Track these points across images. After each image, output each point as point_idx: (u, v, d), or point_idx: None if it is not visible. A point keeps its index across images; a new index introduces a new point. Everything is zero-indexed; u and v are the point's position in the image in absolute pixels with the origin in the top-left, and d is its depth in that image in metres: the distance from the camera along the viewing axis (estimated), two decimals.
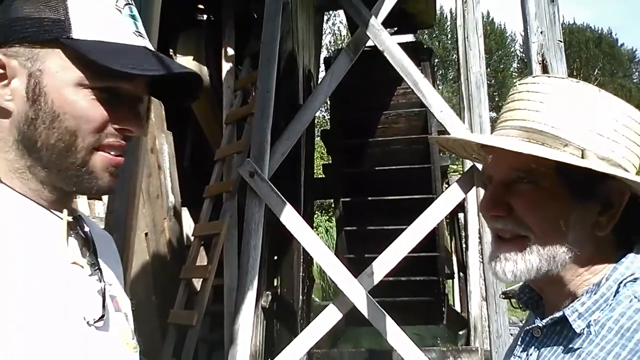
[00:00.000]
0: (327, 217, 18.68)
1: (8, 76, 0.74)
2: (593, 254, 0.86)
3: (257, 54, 4.01)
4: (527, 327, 0.92)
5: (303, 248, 4.55)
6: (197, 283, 4.29)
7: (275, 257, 4.61)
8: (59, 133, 0.73)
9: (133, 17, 0.79)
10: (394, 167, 5.59)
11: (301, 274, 4.55)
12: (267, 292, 4.23)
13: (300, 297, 4.52)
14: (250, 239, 3.72)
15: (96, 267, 0.81)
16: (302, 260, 4.60)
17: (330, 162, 6.45)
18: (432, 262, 5.70)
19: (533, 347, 0.90)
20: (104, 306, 0.78)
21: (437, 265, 5.76)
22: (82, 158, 0.75)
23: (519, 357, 0.92)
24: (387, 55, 3.72)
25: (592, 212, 0.84)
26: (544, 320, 0.87)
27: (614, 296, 0.82)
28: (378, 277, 3.72)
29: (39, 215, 0.76)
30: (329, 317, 3.73)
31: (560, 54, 2.51)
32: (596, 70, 52.49)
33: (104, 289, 0.80)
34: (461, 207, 5.68)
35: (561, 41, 2.49)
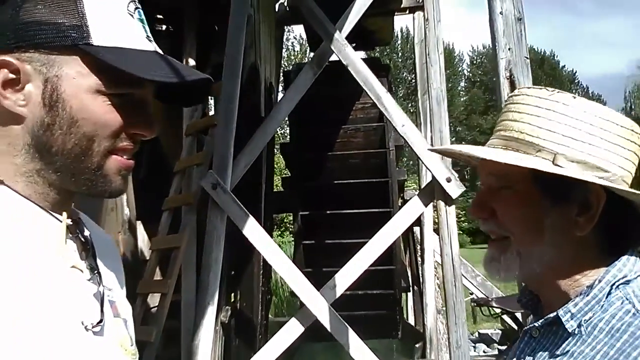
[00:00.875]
0: (279, 232, 18.58)
1: (22, 81, 0.73)
2: (577, 255, 0.90)
3: (219, 66, 3.98)
4: (526, 327, 0.96)
5: (263, 262, 4.53)
6: (151, 298, 4.17)
7: (234, 272, 4.55)
8: (76, 138, 0.74)
9: (142, 21, 0.80)
10: (352, 181, 5.64)
11: (261, 288, 4.51)
12: (227, 307, 4.17)
13: (260, 312, 4.47)
14: (211, 252, 3.67)
15: (95, 271, 0.81)
16: (261, 274, 4.56)
17: (289, 175, 6.45)
18: (389, 276, 5.75)
19: (531, 346, 0.94)
20: (102, 311, 0.78)
21: (393, 279, 5.82)
22: (97, 162, 0.76)
23: (518, 355, 0.96)
24: (352, 70, 3.77)
25: (568, 214, 0.88)
26: (540, 321, 0.91)
27: (606, 298, 0.85)
28: (340, 289, 3.73)
29: (40, 218, 0.76)
30: (291, 331, 3.70)
31: (527, 70, 2.63)
32: None
33: (103, 293, 0.80)
34: (417, 220, 5.78)
35: (527, 58, 2.61)
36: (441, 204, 3.68)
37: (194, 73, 0.80)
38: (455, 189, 3.62)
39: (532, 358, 0.93)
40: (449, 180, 3.61)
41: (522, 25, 2.65)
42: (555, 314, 0.88)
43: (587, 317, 0.85)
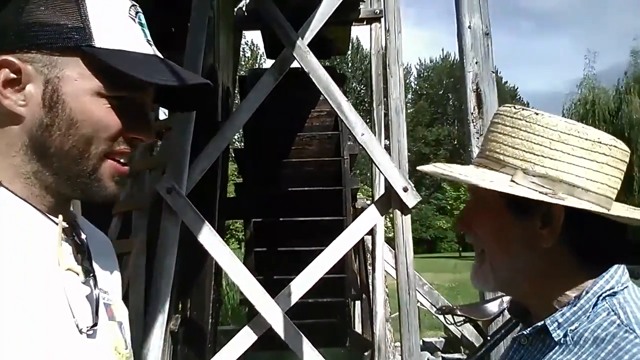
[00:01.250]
0: (225, 239, 18.34)
1: (22, 81, 0.74)
2: (548, 267, 0.93)
3: None
4: (515, 335, 0.98)
5: (214, 269, 4.43)
6: None
7: (184, 279, 4.43)
8: (74, 140, 0.74)
9: (143, 25, 0.80)
10: (306, 189, 5.62)
11: (212, 296, 4.41)
12: (176, 315, 4.05)
13: (210, 320, 4.37)
14: (164, 259, 3.57)
15: (90, 274, 0.81)
16: (212, 281, 4.46)
17: (241, 182, 6.37)
18: (340, 284, 5.76)
19: (519, 353, 0.97)
20: (96, 314, 0.78)
21: (344, 287, 5.83)
22: (92, 165, 0.76)
23: None
24: (313, 78, 3.77)
25: (532, 227, 0.91)
26: (529, 329, 0.94)
27: (593, 308, 0.88)
28: (295, 297, 3.71)
29: (36, 220, 0.76)
30: (243, 339, 3.65)
31: (492, 84, 2.72)
32: None
33: (98, 296, 0.80)
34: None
35: (494, 72, 2.70)
36: (397, 212, 3.73)
37: (194, 77, 0.80)
38: (411, 198, 3.67)
39: None
40: (405, 189, 3.66)
41: (489, 40, 2.74)
42: (542, 322, 0.91)
43: (573, 327, 0.88)
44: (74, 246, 0.80)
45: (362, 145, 3.78)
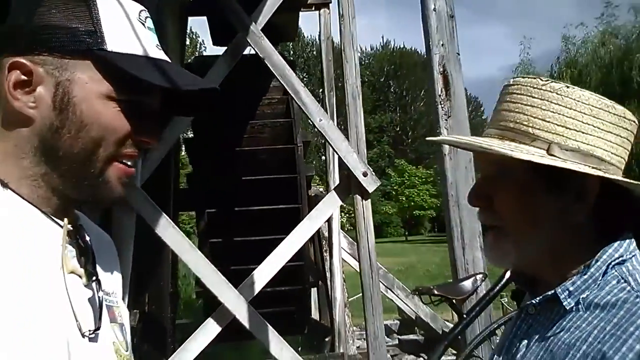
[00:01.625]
0: None
1: (33, 83, 0.74)
2: (572, 241, 0.93)
3: None
4: (523, 305, 0.98)
5: (171, 263, 4.33)
6: None
7: (141, 273, 4.30)
8: (83, 142, 0.75)
9: (152, 29, 0.81)
10: (260, 177, 5.56)
11: (170, 290, 4.32)
12: (135, 311, 3.93)
13: (169, 314, 4.27)
14: (121, 253, 3.42)
15: (94, 277, 0.80)
16: (170, 275, 4.36)
17: (192, 172, 6.23)
18: (298, 272, 5.75)
19: (527, 322, 0.98)
20: (100, 317, 0.78)
21: (303, 275, 5.83)
22: (100, 168, 0.76)
23: (514, 332, 0.99)
24: (268, 63, 3.71)
25: (564, 202, 0.91)
26: (538, 298, 0.94)
27: (602, 276, 0.89)
28: (258, 287, 3.67)
29: (42, 223, 0.76)
30: (207, 332, 3.57)
31: (458, 66, 2.75)
32: (422, 92, 57.89)
33: (101, 299, 0.80)
34: None
35: (459, 54, 2.72)
36: (358, 198, 3.74)
37: (203, 82, 0.81)
38: (371, 183, 3.69)
39: (529, 334, 0.96)
40: (365, 174, 3.67)
41: (453, 22, 2.76)
42: (553, 291, 0.91)
43: (584, 295, 0.89)
44: (77, 249, 0.79)
45: (320, 131, 3.76)
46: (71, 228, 0.78)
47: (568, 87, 0.91)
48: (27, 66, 0.73)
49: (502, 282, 2.26)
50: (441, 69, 2.72)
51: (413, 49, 60.27)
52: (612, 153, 0.89)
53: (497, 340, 1.39)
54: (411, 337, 7.30)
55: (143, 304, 4.24)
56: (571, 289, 0.90)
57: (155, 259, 4.14)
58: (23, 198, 0.74)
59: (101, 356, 0.78)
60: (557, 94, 0.90)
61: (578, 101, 0.89)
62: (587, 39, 23.68)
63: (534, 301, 0.95)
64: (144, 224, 3.54)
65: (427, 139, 1.01)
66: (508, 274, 2.28)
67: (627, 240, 0.92)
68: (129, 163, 0.79)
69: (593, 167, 0.88)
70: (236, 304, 3.53)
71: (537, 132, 0.90)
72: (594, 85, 21.40)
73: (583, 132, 0.89)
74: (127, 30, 0.77)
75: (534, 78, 0.95)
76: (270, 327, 3.58)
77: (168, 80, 0.76)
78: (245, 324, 3.54)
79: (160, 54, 0.79)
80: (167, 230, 3.54)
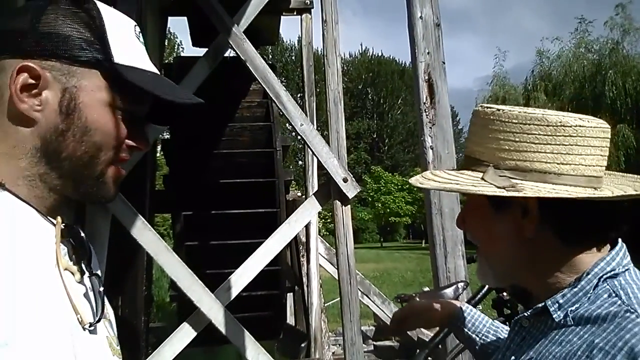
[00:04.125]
0: None
1: (40, 87, 0.77)
2: (537, 254, 0.94)
3: None
4: (517, 317, 0.98)
5: (146, 265, 4.25)
6: None
7: (114, 276, 4.21)
8: (86, 146, 0.79)
9: (143, 43, 0.87)
10: (238, 180, 5.51)
11: (144, 293, 4.22)
12: None
13: (143, 318, 4.18)
14: (95, 255, 3.35)
15: (88, 273, 0.85)
16: (144, 278, 4.27)
17: (169, 173, 6.13)
18: (275, 276, 5.70)
19: (521, 335, 0.99)
20: (103, 311, 0.84)
21: (279, 279, 5.78)
22: (100, 170, 0.82)
23: (507, 344, 1.00)
24: (250, 66, 3.67)
25: (514, 218, 0.93)
26: (530, 311, 0.94)
27: (594, 290, 0.89)
28: (235, 291, 3.62)
29: (38, 222, 0.79)
30: (182, 336, 3.51)
31: (444, 75, 2.75)
32: (400, 100, 58.36)
33: (102, 294, 0.86)
34: None
35: (444, 62, 2.73)
36: (337, 203, 3.72)
37: (192, 97, 0.88)
38: (351, 189, 3.68)
39: (522, 346, 0.96)
40: (345, 180, 3.66)
41: (439, 31, 2.77)
42: (543, 304, 0.91)
43: (573, 308, 0.89)
44: (70, 247, 0.83)
45: (300, 136, 3.73)
46: (63, 226, 0.81)
47: (499, 109, 0.93)
48: (36, 70, 0.76)
49: (483, 291, 2.26)
50: (426, 77, 2.72)
51: (391, 57, 60.80)
52: (558, 163, 0.89)
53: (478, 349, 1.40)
54: (386, 343, 7.30)
55: (116, 307, 4.15)
56: (561, 301, 0.90)
57: (130, 261, 4.05)
58: (19, 198, 0.77)
59: (100, 348, 0.83)
60: (490, 118, 0.94)
61: (507, 122, 0.92)
62: (562, 53, 24.18)
63: (525, 314, 0.96)
64: (117, 225, 3.47)
65: (410, 180, 1.05)
66: None
67: (621, 254, 0.91)
68: (121, 166, 0.85)
69: (534, 182, 0.89)
70: (212, 309, 3.48)
71: (482, 157, 0.95)
72: (568, 99, 21.83)
73: (517, 150, 0.91)
74: (128, 43, 0.83)
75: (482, 106, 0.97)
76: (246, 333, 3.54)
77: (170, 93, 0.82)
78: (222, 328, 3.49)
79: (154, 68, 0.86)
80: (143, 232, 3.47)
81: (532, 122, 0.89)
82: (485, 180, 0.91)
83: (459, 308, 1.37)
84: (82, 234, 0.85)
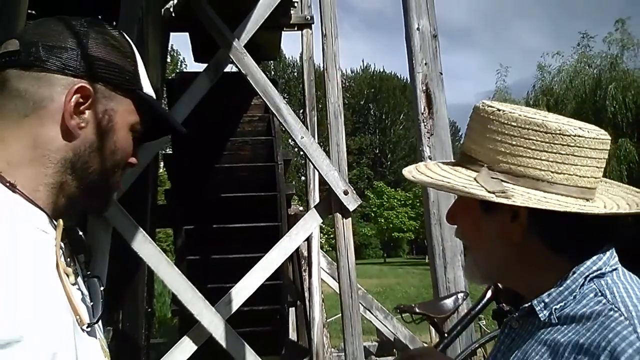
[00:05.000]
0: None
1: (87, 106, 0.84)
2: (525, 258, 0.93)
3: None
4: (506, 319, 0.98)
5: (147, 280, 4.23)
6: None
7: (115, 289, 4.20)
8: (111, 162, 0.87)
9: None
10: (240, 195, 5.51)
11: (145, 307, 4.20)
12: (108, 328, 3.83)
13: (144, 332, 4.16)
14: (95, 268, 3.35)
15: (85, 276, 0.88)
16: (145, 292, 4.26)
17: (171, 188, 6.15)
18: (276, 291, 5.68)
19: (510, 337, 0.98)
20: (102, 312, 0.87)
21: (280, 294, 5.75)
22: (114, 183, 0.90)
23: (498, 346, 1.01)
24: (251, 80, 3.71)
25: (502, 221, 0.92)
26: (517, 312, 0.95)
27: (580, 289, 0.88)
28: (236, 305, 3.61)
29: (43, 225, 0.81)
30: (183, 350, 3.50)
31: (441, 85, 2.77)
32: (402, 115, 58.48)
33: (102, 295, 0.89)
34: None
35: (441, 73, 2.75)
36: (338, 216, 3.72)
37: (178, 123, 1.02)
38: (352, 201, 3.68)
39: (511, 348, 0.96)
40: (346, 192, 3.66)
41: (436, 42, 2.79)
42: (529, 304, 0.91)
43: (558, 307, 0.88)
44: (67, 249, 0.86)
45: (301, 149, 3.75)
46: (63, 229, 0.84)
47: (499, 109, 0.92)
48: (88, 90, 0.83)
49: (483, 301, 2.25)
50: (424, 88, 2.74)
51: (393, 73, 61.06)
52: (551, 171, 0.89)
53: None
54: (389, 359, 7.23)
55: (117, 321, 4.13)
56: (547, 300, 0.90)
57: (131, 275, 4.05)
58: (30, 201, 0.80)
59: (97, 350, 0.85)
60: (490, 117, 0.92)
61: (507, 124, 0.90)
62: (563, 68, 24.28)
63: (514, 315, 0.96)
64: (119, 238, 3.48)
65: (403, 170, 1.04)
66: (489, 294, 2.28)
67: (607, 254, 0.91)
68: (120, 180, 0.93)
69: (527, 188, 0.89)
70: (213, 323, 3.47)
71: (477, 156, 0.94)
72: (569, 114, 21.87)
73: (512, 154, 0.90)
74: (144, 74, 0.92)
75: (482, 104, 0.96)
76: (247, 347, 3.52)
77: (172, 120, 0.97)
78: (222, 343, 3.48)
79: (152, 91, 0.94)
80: (144, 246, 3.48)
81: (530, 127, 0.89)
82: (477, 182, 0.91)
83: None
84: (81, 235, 0.88)
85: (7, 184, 0.78)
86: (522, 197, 0.88)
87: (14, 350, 0.67)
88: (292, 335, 7.38)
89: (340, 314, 4.32)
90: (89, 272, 0.90)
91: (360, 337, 3.68)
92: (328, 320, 6.70)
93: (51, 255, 0.80)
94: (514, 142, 0.89)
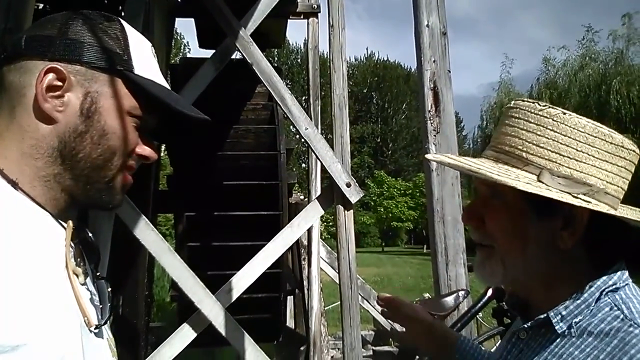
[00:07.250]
0: None
1: (64, 89, 0.81)
2: (562, 268, 0.93)
3: None
4: (514, 329, 0.98)
5: (147, 265, 4.25)
6: None
7: (115, 275, 4.22)
8: (102, 149, 0.83)
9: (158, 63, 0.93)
10: (241, 183, 5.51)
11: (145, 293, 4.23)
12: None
13: (144, 318, 4.19)
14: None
15: (94, 277, 0.87)
16: (145, 277, 4.28)
17: (173, 173, 6.15)
18: (275, 279, 5.71)
19: (518, 347, 0.97)
20: (110, 313, 0.87)
21: (280, 282, 5.78)
22: (111, 174, 0.85)
23: (504, 356, 0.98)
24: (256, 69, 3.69)
25: (553, 227, 0.91)
26: (530, 322, 0.93)
27: (595, 303, 0.89)
28: (236, 293, 3.63)
29: (48, 223, 0.81)
30: (182, 337, 3.52)
31: (449, 83, 2.76)
32: (404, 105, 58.33)
33: (110, 296, 0.89)
34: None
35: (450, 71, 2.74)
36: (340, 208, 3.73)
37: (199, 112, 0.92)
38: (354, 193, 3.68)
39: (519, 358, 0.96)
40: (348, 185, 3.66)
41: (446, 40, 2.78)
42: (545, 315, 0.90)
43: (577, 320, 0.88)
44: (76, 250, 0.85)
45: (304, 139, 3.74)
46: (73, 229, 0.83)
47: (565, 113, 0.91)
48: (62, 72, 0.81)
49: (484, 300, 2.27)
50: (432, 85, 2.73)
51: (397, 62, 60.75)
52: (607, 182, 0.89)
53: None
54: (385, 348, 7.29)
55: (117, 306, 4.15)
56: (564, 313, 0.89)
57: (132, 260, 4.06)
58: (32, 199, 0.79)
59: (105, 351, 0.85)
60: (554, 120, 0.90)
61: (574, 128, 0.89)
62: (567, 62, 24.15)
63: (525, 326, 0.95)
64: (120, 224, 3.48)
65: (426, 156, 1.00)
66: (490, 292, 2.30)
67: (621, 270, 0.92)
68: (129, 173, 0.88)
69: (584, 195, 0.88)
70: (213, 310, 3.49)
71: (530, 157, 0.90)
72: (573, 108, 21.83)
73: (577, 160, 0.89)
74: (146, 59, 0.88)
75: (533, 102, 0.94)
76: (247, 335, 3.54)
77: (181, 105, 0.87)
78: (222, 330, 3.50)
79: (167, 84, 0.91)
80: (146, 232, 3.48)
81: (598, 136, 0.88)
82: (543, 183, 0.88)
83: (458, 338, 1.33)
84: (91, 236, 0.87)
85: (10, 182, 0.78)
86: (598, 205, 0.87)
87: (20, 355, 0.66)
88: (290, 323, 7.44)
89: (337, 302, 4.34)
90: (98, 274, 0.89)
91: (359, 327, 3.70)
92: (325, 309, 6.74)
93: (60, 255, 0.79)
94: (579, 148, 0.88)
